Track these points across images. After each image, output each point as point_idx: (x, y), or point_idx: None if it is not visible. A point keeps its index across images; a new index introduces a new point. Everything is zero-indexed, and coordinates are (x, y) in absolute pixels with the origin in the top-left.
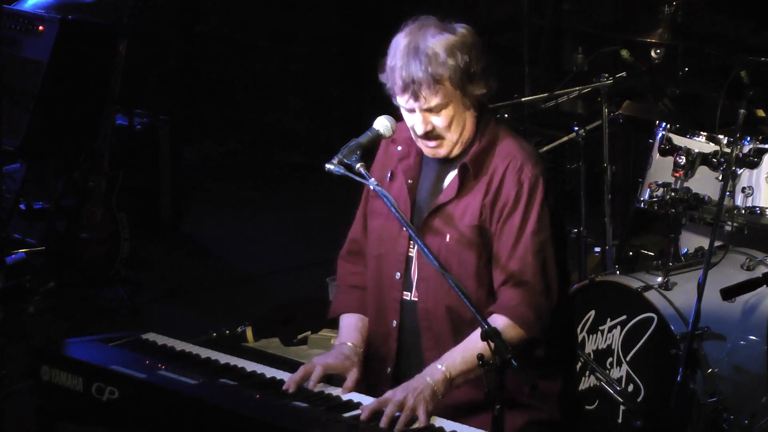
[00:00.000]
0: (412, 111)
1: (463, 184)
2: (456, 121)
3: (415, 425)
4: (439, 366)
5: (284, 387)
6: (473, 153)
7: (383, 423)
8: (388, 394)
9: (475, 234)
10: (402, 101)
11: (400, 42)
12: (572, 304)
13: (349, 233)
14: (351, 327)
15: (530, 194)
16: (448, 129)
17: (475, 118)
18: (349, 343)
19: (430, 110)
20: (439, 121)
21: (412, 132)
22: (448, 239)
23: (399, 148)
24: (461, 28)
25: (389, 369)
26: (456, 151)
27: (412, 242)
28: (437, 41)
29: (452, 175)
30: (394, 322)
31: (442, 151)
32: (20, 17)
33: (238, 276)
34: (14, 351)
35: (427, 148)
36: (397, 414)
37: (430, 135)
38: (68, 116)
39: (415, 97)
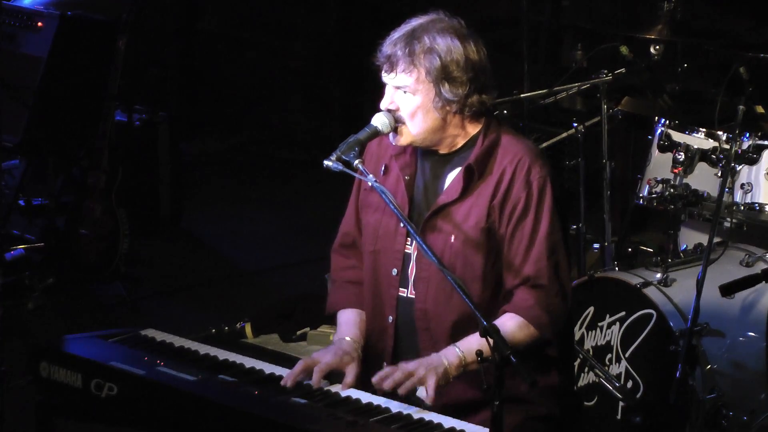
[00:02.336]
0: (385, 85)
1: (468, 186)
2: (421, 114)
3: (426, 413)
4: (456, 349)
5: (282, 382)
6: (477, 154)
7: (387, 385)
8: (401, 364)
9: (482, 236)
10: (382, 73)
11: (409, 22)
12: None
13: (341, 226)
14: (349, 322)
15: (540, 196)
16: (411, 117)
17: (448, 121)
18: (348, 338)
19: (400, 89)
20: (405, 104)
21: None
22: (453, 240)
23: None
24: (472, 45)
25: (385, 364)
26: (419, 144)
27: (409, 239)
28: (438, 39)
29: (452, 174)
30: (390, 318)
31: (402, 139)
32: (19, 13)
33: (237, 272)
34: (14, 347)
35: (391, 133)
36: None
37: (394, 113)
38: (67, 112)
39: (390, 68)
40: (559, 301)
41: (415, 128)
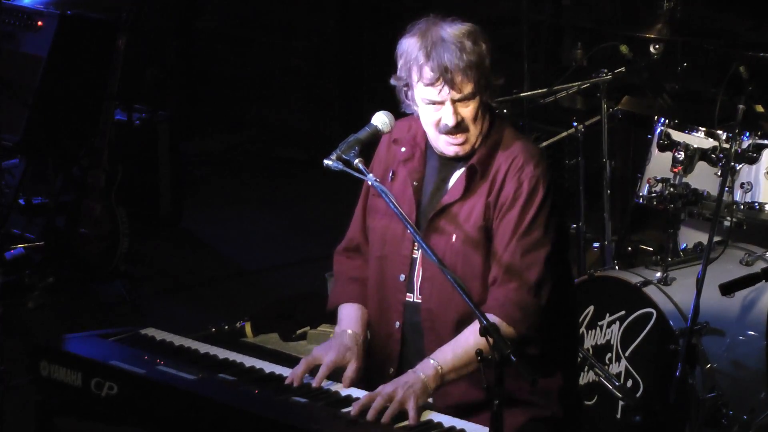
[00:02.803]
0: (441, 103)
1: (470, 186)
2: (480, 114)
3: (405, 422)
4: (432, 361)
5: (287, 381)
6: (480, 154)
7: (370, 416)
8: (379, 388)
9: (481, 235)
10: (431, 94)
11: (415, 41)
12: (573, 301)
13: (348, 231)
14: (351, 315)
15: (529, 194)
16: (473, 121)
17: (489, 114)
18: (350, 331)
19: (461, 100)
20: (467, 112)
21: (433, 129)
22: (454, 240)
23: (403, 149)
24: (469, 23)
25: (392, 370)
26: (473, 148)
27: (416, 244)
28: (458, 30)
29: (457, 174)
30: (397, 324)
31: (467, 147)
32: (19, 12)
33: (237, 271)
34: (13, 346)
35: (451, 145)
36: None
37: (460, 127)
38: (67, 112)
39: (451, 84)
40: (531, 297)
41: (477, 130)
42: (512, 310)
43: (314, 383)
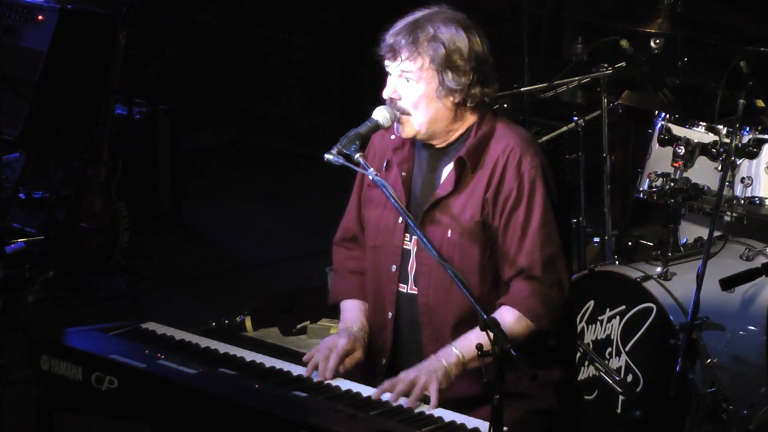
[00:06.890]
0: (388, 75)
1: (461, 178)
2: (424, 103)
3: (427, 407)
4: (454, 349)
5: (308, 365)
6: (469, 146)
7: (392, 399)
8: (401, 375)
9: (478, 229)
10: (385, 63)
11: (412, 14)
12: (572, 294)
13: (342, 220)
14: (355, 310)
15: (532, 187)
16: (414, 107)
17: (450, 111)
18: (355, 327)
19: (402, 75)
20: (406, 93)
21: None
22: (449, 234)
23: (392, 137)
24: (476, 36)
25: (384, 361)
26: (422, 135)
27: (408, 234)
28: (442, 28)
29: (448, 167)
30: (390, 314)
31: (406, 130)
32: (20, 7)
33: (237, 265)
34: (14, 340)
35: (397, 126)
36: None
37: (396, 104)
38: (68, 106)
39: (393, 56)
40: (555, 292)
41: (419, 118)
42: (535, 305)
43: (327, 373)
